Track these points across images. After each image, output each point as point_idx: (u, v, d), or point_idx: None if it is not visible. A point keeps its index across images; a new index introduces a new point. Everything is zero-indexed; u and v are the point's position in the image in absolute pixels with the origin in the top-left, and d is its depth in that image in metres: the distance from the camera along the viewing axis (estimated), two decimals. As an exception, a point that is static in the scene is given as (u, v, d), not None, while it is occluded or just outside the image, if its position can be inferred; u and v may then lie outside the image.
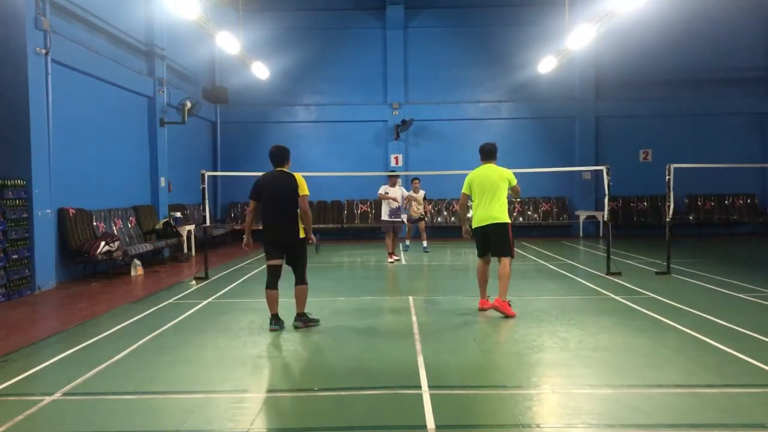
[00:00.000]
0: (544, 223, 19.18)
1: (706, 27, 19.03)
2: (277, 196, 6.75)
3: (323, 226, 18.47)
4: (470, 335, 6.55)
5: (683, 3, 17.54)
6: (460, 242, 17.35)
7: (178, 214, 14.81)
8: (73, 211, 10.91)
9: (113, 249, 10.94)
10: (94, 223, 11.48)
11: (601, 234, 18.16)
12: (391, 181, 13.37)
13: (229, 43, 14.25)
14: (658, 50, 18.94)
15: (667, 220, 10.77)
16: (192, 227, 15.06)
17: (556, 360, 5.56)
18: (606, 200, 10.53)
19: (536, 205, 19.35)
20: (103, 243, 10.79)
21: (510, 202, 7.74)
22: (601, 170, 10.85)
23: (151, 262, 13.34)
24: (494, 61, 19.52)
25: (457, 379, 5.05)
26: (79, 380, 5.06)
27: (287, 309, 7.52)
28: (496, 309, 7.26)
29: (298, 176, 6.80)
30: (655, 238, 16.60)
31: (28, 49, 9.66)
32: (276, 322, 6.80)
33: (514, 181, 7.56)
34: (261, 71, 17.44)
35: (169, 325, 7.15)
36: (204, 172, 11.02)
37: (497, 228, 7.39)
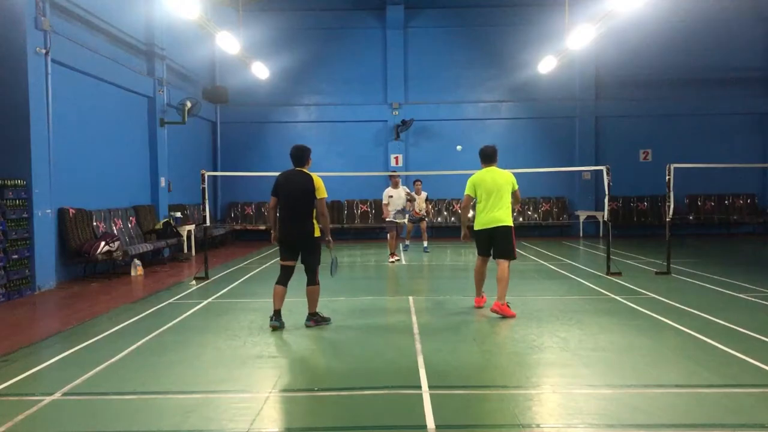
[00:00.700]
0: (544, 223, 19.18)
1: (706, 27, 19.03)
2: (291, 195, 6.77)
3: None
4: (470, 335, 6.55)
5: (683, 3, 17.54)
6: (460, 242, 17.35)
7: (178, 214, 14.81)
8: (73, 211, 10.91)
9: (113, 249, 10.94)
10: (94, 223, 11.48)
11: (601, 234, 18.16)
12: (393, 181, 13.35)
13: (229, 43, 14.24)
14: (658, 50, 18.95)
15: (667, 220, 10.77)
16: (192, 227, 15.06)
17: (556, 360, 5.56)
18: (606, 200, 10.53)
19: (536, 205, 19.35)
20: (103, 243, 10.79)
21: None
22: (601, 170, 10.84)
23: (151, 262, 13.34)
24: (494, 61, 19.53)
25: (457, 379, 5.05)
26: (79, 380, 5.06)
27: (293, 308, 7.52)
28: (496, 312, 7.27)
29: (316, 177, 6.81)
30: (655, 238, 16.61)
31: (28, 49, 9.66)
32: (277, 318, 6.80)
33: (516, 186, 7.57)
34: (261, 71, 17.45)
35: (169, 325, 7.15)
36: (204, 172, 11.02)
37: (502, 231, 7.39)
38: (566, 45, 14.95)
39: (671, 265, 10.63)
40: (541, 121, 19.62)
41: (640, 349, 5.83)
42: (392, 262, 12.72)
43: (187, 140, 16.80)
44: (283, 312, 6.87)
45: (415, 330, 6.72)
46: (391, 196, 13.07)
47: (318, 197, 6.75)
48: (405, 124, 19.06)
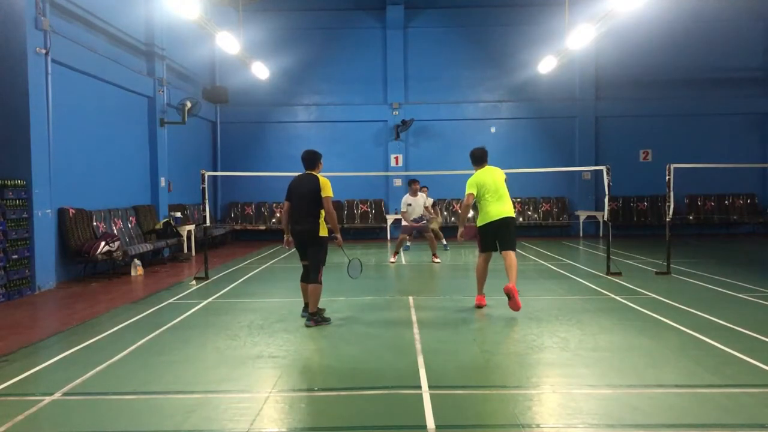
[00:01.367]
0: (544, 223, 19.18)
1: (706, 27, 19.04)
2: (299, 197, 7.03)
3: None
4: (470, 335, 6.55)
5: (683, 3, 17.56)
6: (459, 242, 17.34)
7: (178, 214, 14.81)
8: (73, 211, 10.91)
9: (113, 249, 10.94)
10: (94, 223, 11.48)
11: (601, 234, 18.17)
12: (413, 189, 12.92)
13: (229, 43, 14.24)
14: (657, 50, 18.96)
15: (667, 220, 10.77)
16: (192, 227, 15.06)
17: (556, 360, 5.56)
18: (606, 200, 10.53)
19: (536, 205, 19.35)
20: (103, 243, 10.79)
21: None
22: (601, 170, 10.84)
23: (151, 262, 13.34)
24: (494, 61, 19.53)
25: (457, 379, 5.05)
26: (79, 380, 5.06)
27: (293, 308, 7.54)
28: (508, 293, 7.22)
29: (323, 178, 7.06)
30: (655, 238, 16.61)
31: (28, 49, 9.66)
32: (305, 310, 7.13)
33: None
34: (261, 71, 17.44)
35: (169, 325, 7.15)
36: (204, 172, 11.02)
37: (509, 221, 7.64)
38: (566, 45, 14.94)
39: (671, 265, 10.63)
40: (541, 121, 19.62)
41: (640, 349, 5.83)
42: (393, 262, 12.75)
43: (187, 140, 16.80)
44: (283, 312, 6.91)
45: (415, 330, 6.72)
46: (410, 205, 12.80)
47: (323, 196, 6.93)
48: (405, 124, 19.06)
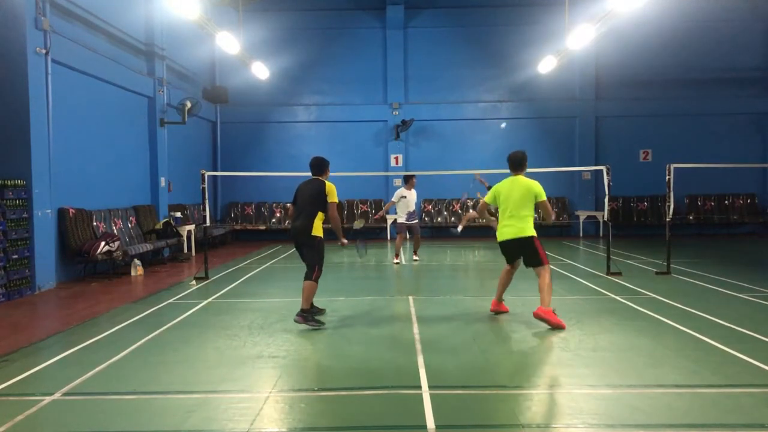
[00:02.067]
0: (544, 223, 19.15)
1: (706, 27, 19.05)
2: (303, 198, 7.15)
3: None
4: (470, 335, 6.54)
5: (683, 3, 17.56)
6: (460, 242, 17.34)
7: (178, 214, 14.81)
8: (73, 211, 10.91)
9: (113, 249, 10.94)
10: (94, 223, 11.48)
11: (601, 234, 18.17)
12: (411, 182, 12.87)
13: (229, 43, 14.24)
14: (658, 50, 18.96)
15: (667, 220, 10.77)
16: (192, 227, 15.06)
17: (556, 360, 5.56)
18: (606, 200, 10.53)
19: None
20: (103, 243, 10.79)
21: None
22: (601, 170, 10.84)
23: (151, 262, 13.34)
24: (494, 61, 19.53)
25: (457, 379, 5.05)
26: (79, 380, 5.06)
27: (293, 308, 7.54)
28: (539, 317, 6.74)
29: (329, 184, 7.13)
30: (655, 238, 16.61)
31: (28, 49, 9.66)
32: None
33: (543, 197, 7.04)
34: (261, 71, 17.44)
35: (168, 325, 7.15)
36: (204, 172, 11.02)
37: (522, 243, 7.04)
38: (566, 45, 14.94)
39: (671, 265, 10.64)
40: (541, 121, 19.62)
41: (640, 349, 5.83)
42: (397, 263, 12.73)
43: (187, 140, 16.80)
44: (283, 312, 6.92)
45: (415, 330, 6.72)
46: (404, 197, 12.77)
47: (328, 201, 7.02)
48: (405, 124, 19.06)
